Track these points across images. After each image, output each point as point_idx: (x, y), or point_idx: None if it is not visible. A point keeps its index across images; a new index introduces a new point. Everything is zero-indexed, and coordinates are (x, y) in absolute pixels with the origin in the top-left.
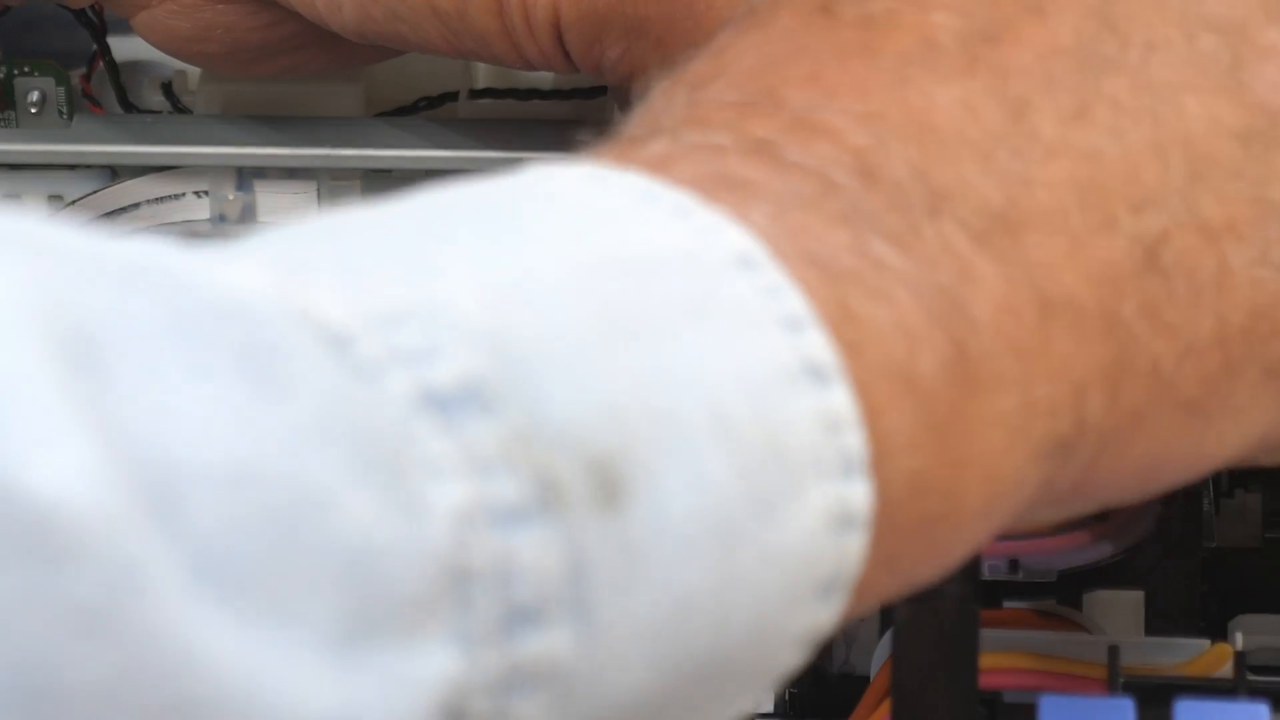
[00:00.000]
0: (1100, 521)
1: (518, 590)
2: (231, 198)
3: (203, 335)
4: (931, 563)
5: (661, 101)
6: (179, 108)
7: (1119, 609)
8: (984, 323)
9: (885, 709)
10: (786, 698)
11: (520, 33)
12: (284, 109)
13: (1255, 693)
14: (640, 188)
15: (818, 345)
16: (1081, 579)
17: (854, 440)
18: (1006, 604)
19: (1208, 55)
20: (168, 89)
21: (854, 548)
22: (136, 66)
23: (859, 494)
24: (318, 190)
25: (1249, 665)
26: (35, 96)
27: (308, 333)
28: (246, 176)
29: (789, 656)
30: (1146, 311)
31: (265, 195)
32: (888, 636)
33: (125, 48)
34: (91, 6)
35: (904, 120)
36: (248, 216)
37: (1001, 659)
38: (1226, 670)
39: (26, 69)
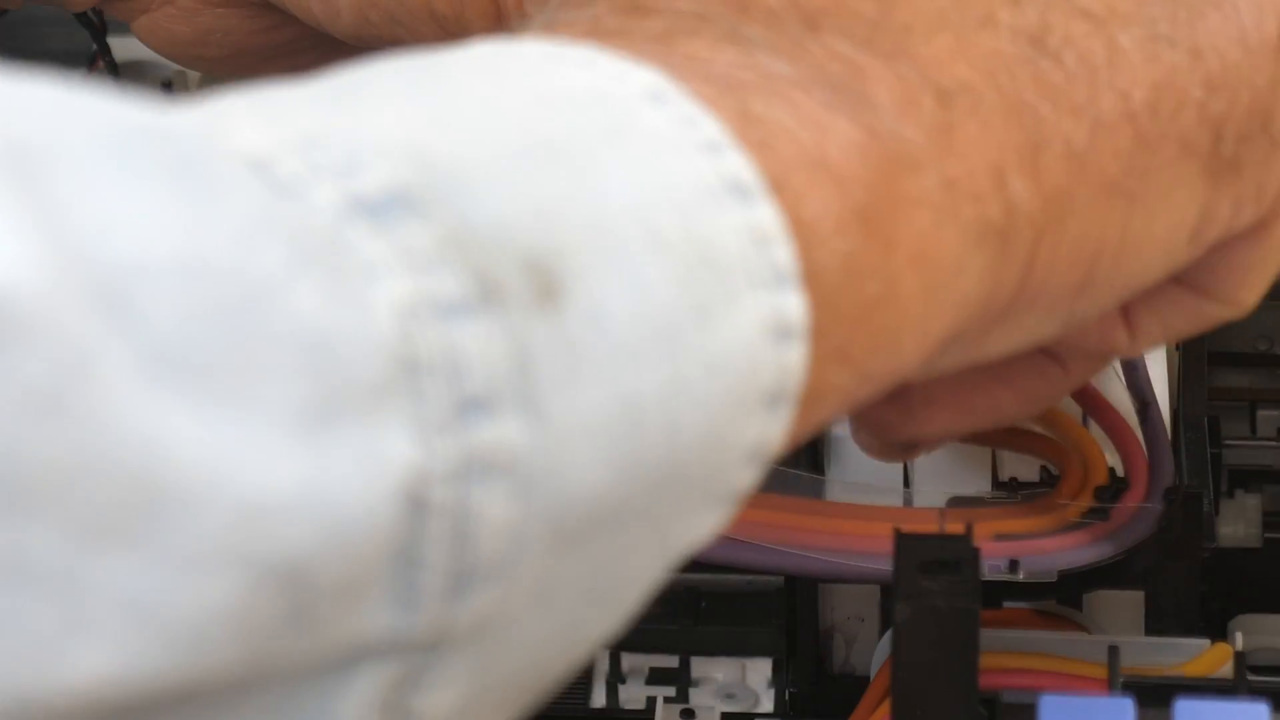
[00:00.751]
0: (1100, 521)
1: (466, 381)
2: None
3: (133, 152)
4: (883, 353)
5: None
6: None
7: (1119, 609)
8: (886, 109)
9: (885, 709)
10: (786, 698)
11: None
12: None
13: (1255, 693)
14: (544, 50)
15: (738, 165)
16: (1081, 579)
17: (783, 253)
18: (1006, 604)
19: None
20: (168, 89)
21: (794, 358)
22: (136, 67)
23: (793, 304)
24: None
25: (1249, 665)
26: None
27: (230, 155)
28: None
29: (742, 472)
30: (1045, 93)
31: None
32: (888, 636)
33: (125, 48)
34: (92, 7)
35: None
36: None
37: (1001, 659)
38: (1226, 670)
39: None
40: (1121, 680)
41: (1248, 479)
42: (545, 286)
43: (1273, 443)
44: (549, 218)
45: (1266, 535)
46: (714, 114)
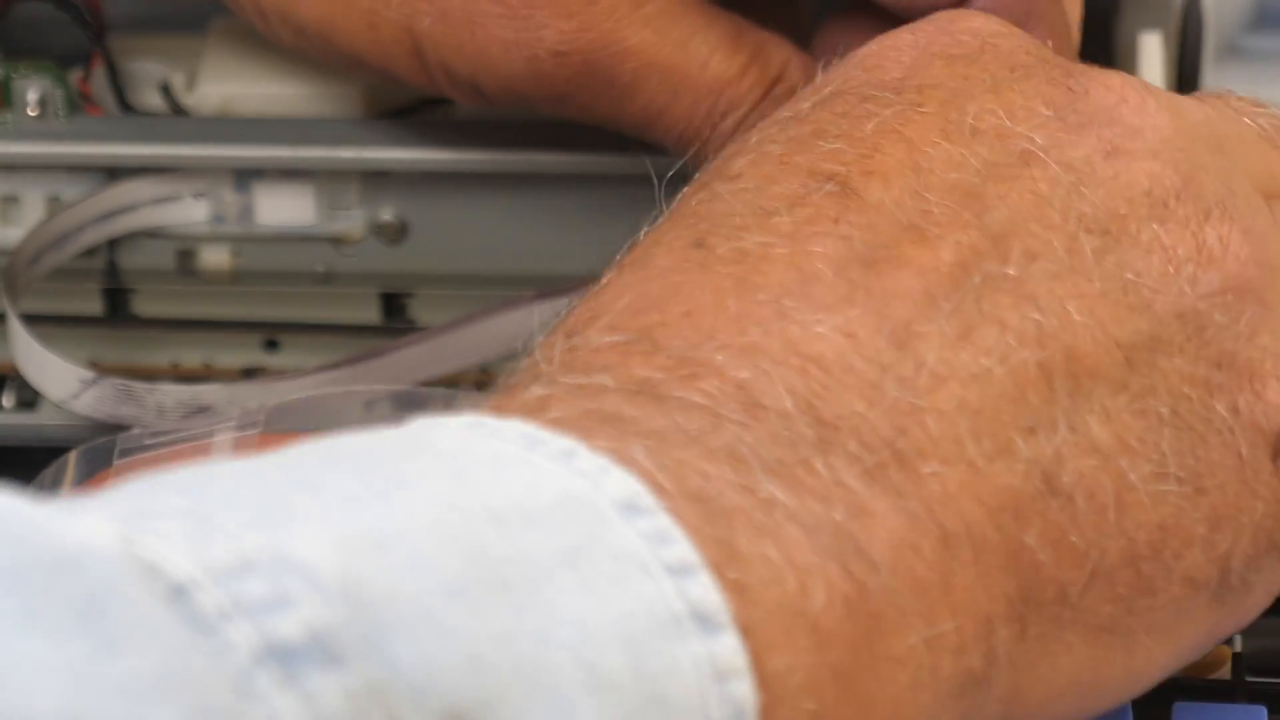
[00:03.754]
0: None
1: None
2: (230, 199)
3: (39, 587)
4: None
5: (540, 351)
6: (177, 109)
7: None
8: (882, 559)
9: None
10: None
11: (447, 89)
12: (282, 110)
13: (1254, 696)
14: (524, 432)
15: (706, 591)
16: None
17: (744, 689)
18: None
19: (1090, 258)
20: (166, 90)
21: None
22: (135, 68)
23: None
24: (316, 192)
25: (1248, 668)
26: (34, 97)
27: (148, 585)
28: (245, 178)
29: None
30: (1050, 538)
31: (263, 197)
32: None
33: (124, 49)
34: (90, 8)
35: (785, 353)
36: (246, 218)
37: None
38: (1225, 672)
39: (25, 70)
40: None
41: None
42: None
43: None
44: (481, 664)
45: None
46: (692, 539)
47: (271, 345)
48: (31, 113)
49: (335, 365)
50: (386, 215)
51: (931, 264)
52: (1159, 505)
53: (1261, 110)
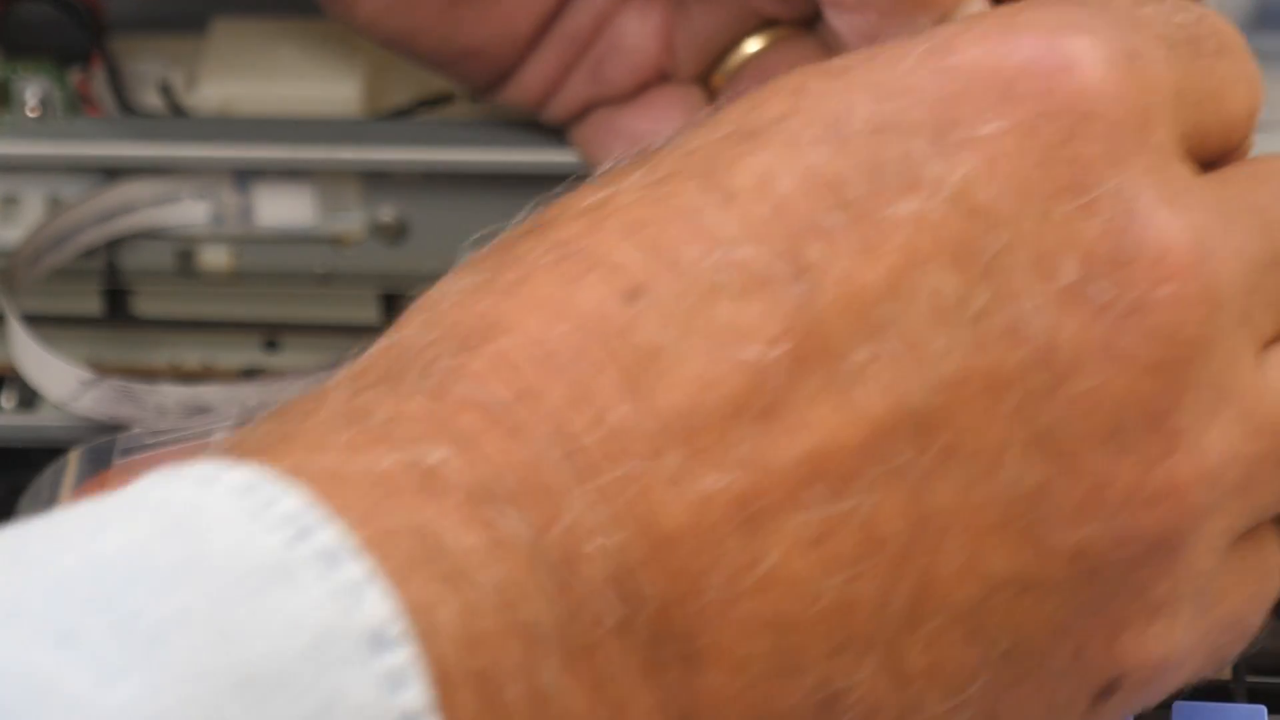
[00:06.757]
0: None
1: None
2: (229, 199)
3: None
4: None
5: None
6: (177, 109)
7: None
8: None
9: None
10: None
11: None
12: (282, 110)
13: (1254, 695)
14: (298, 512)
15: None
16: None
17: None
18: None
19: (1006, 480)
20: (166, 90)
21: None
22: (135, 68)
23: None
24: (315, 192)
25: (1248, 668)
26: (34, 97)
27: None
28: (244, 178)
29: None
30: None
31: (263, 197)
32: None
33: (124, 49)
34: (90, 8)
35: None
36: (246, 218)
37: None
38: (1225, 673)
39: (25, 70)
40: None
41: None
42: None
43: None
44: None
45: None
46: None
47: (271, 345)
48: (31, 113)
49: (335, 365)
50: (386, 215)
51: (835, 439)
52: None
53: None
